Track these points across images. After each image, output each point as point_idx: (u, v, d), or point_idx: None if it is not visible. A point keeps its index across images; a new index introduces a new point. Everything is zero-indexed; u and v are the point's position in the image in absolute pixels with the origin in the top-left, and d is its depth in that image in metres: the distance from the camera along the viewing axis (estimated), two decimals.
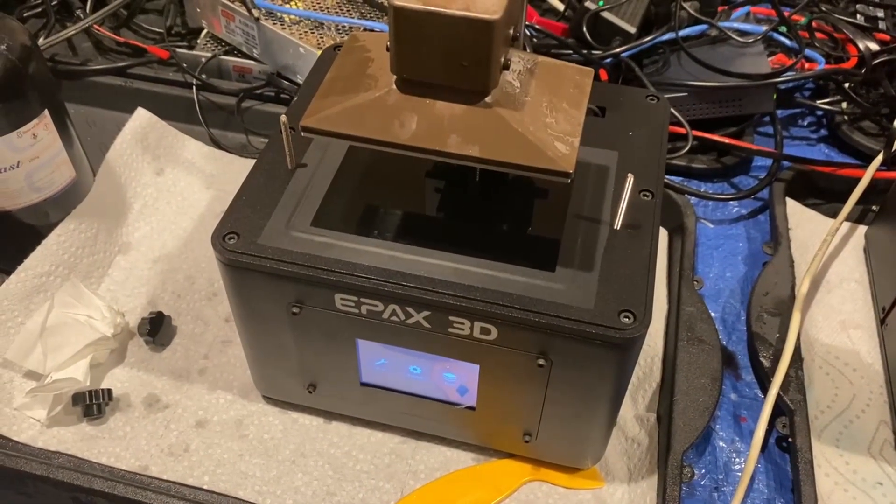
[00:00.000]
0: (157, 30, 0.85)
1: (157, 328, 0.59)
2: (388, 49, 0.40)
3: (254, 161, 0.51)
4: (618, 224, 0.46)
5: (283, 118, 0.47)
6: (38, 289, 0.59)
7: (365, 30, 0.75)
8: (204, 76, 0.77)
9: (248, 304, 0.48)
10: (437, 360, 0.48)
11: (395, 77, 0.41)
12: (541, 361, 0.44)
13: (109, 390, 0.55)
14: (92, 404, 0.54)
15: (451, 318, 0.44)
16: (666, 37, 0.76)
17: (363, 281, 0.44)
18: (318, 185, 0.49)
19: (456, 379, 0.50)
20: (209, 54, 0.79)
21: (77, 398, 0.54)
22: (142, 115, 0.72)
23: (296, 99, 0.55)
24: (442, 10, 0.37)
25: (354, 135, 0.41)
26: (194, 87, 0.76)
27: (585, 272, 0.44)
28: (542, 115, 0.41)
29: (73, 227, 0.62)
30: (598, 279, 0.44)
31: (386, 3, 0.79)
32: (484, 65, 0.38)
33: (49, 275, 0.60)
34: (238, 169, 0.73)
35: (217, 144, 0.75)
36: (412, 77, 0.40)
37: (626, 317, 0.42)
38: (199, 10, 0.80)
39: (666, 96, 0.71)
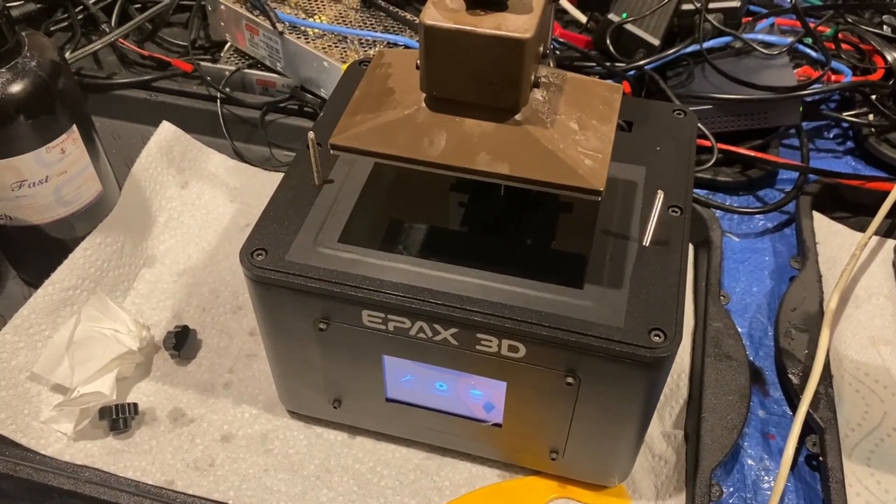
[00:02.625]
0: (182, 43, 0.85)
1: (182, 342, 0.59)
2: (417, 67, 0.40)
3: (277, 174, 0.51)
4: (647, 241, 0.46)
5: (311, 135, 0.47)
6: (64, 302, 0.60)
7: (389, 44, 0.76)
8: (228, 89, 0.78)
9: (274, 320, 0.48)
10: (464, 377, 0.48)
11: (423, 95, 0.41)
12: (569, 380, 0.44)
13: (135, 404, 0.56)
14: (118, 418, 0.55)
15: (479, 335, 0.44)
16: (690, 49, 0.76)
17: (390, 298, 0.44)
18: (345, 200, 0.49)
19: (482, 396, 0.49)
20: (233, 68, 0.79)
21: (103, 412, 0.55)
22: (166, 129, 0.73)
23: (322, 114, 0.55)
24: (473, 29, 0.36)
25: (384, 152, 0.41)
26: (218, 101, 0.77)
27: (615, 289, 0.44)
28: (572, 133, 0.41)
29: (100, 240, 0.62)
30: (627, 297, 0.44)
31: (409, 17, 0.79)
32: (515, 83, 0.38)
33: (76, 288, 0.60)
34: (262, 182, 0.73)
35: (241, 157, 0.76)
36: (442, 95, 0.40)
37: (656, 335, 0.42)
38: (222, 23, 0.81)
39: (691, 109, 0.71)
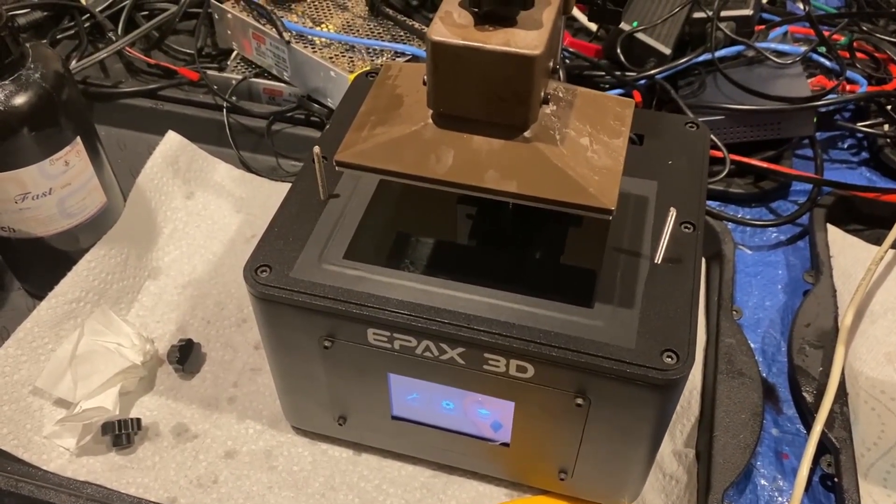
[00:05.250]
0: (188, 51, 0.85)
1: (186, 356, 0.59)
2: (424, 83, 0.39)
3: (284, 184, 0.50)
4: (659, 258, 0.45)
5: (316, 149, 0.46)
6: (68, 315, 0.59)
7: (396, 53, 0.75)
8: (234, 98, 0.77)
9: (279, 337, 0.48)
10: (471, 396, 0.47)
11: (430, 111, 0.40)
12: (579, 401, 0.43)
13: (139, 419, 0.55)
14: (121, 434, 0.54)
15: (487, 355, 0.43)
16: (702, 58, 0.75)
17: (396, 316, 0.43)
18: (351, 216, 0.48)
19: (490, 415, 0.48)
20: (239, 76, 0.79)
21: (106, 427, 0.54)
22: (172, 139, 0.72)
23: (328, 127, 0.54)
24: (481, 45, 0.36)
25: (390, 169, 0.40)
26: (225, 110, 0.76)
27: (625, 308, 0.43)
28: (583, 150, 0.40)
29: (104, 252, 0.62)
30: (638, 316, 0.43)
31: (417, 26, 0.78)
32: (524, 100, 0.37)
33: (79, 301, 0.60)
34: (268, 192, 0.73)
35: (247, 167, 0.75)
36: (449, 111, 0.39)
37: (668, 357, 0.41)
38: (229, 32, 0.80)
39: (702, 119, 0.70)
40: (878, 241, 0.67)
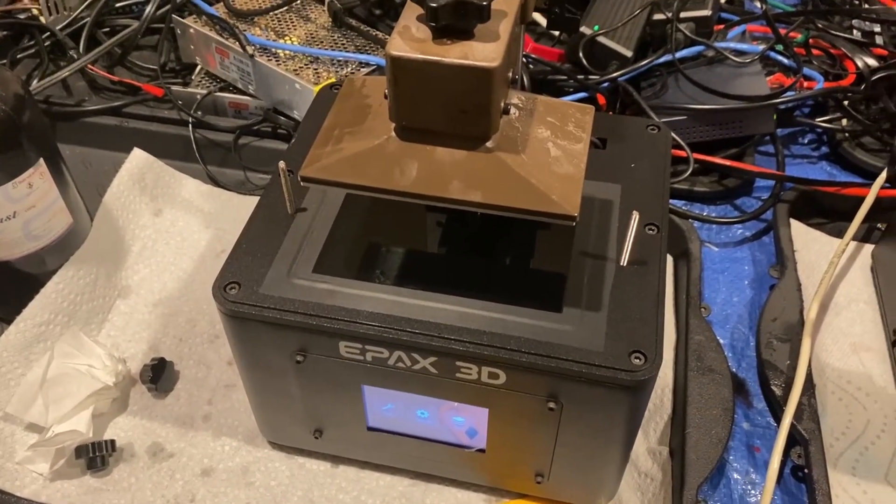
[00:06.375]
0: (152, 67, 0.84)
1: (158, 375, 0.58)
2: (385, 97, 0.39)
3: (253, 198, 0.50)
4: (624, 261, 0.45)
5: (282, 164, 0.46)
6: (37, 338, 0.58)
7: (361, 64, 0.75)
8: (199, 113, 0.77)
9: (251, 353, 0.48)
10: (446, 404, 0.48)
11: (393, 124, 0.40)
12: (551, 405, 0.44)
13: (113, 441, 0.55)
14: (95, 456, 0.54)
15: (459, 363, 0.43)
16: (663, 59, 0.76)
17: (367, 328, 0.43)
18: (319, 229, 0.48)
19: (465, 422, 0.49)
20: (204, 91, 0.79)
21: (80, 451, 0.54)
22: (138, 156, 0.72)
23: (293, 140, 0.54)
24: (439, 58, 0.36)
25: (355, 183, 0.40)
26: (190, 125, 0.76)
27: (593, 312, 0.44)
28: (545, 157, 0.40)
29: (72, 273, 0.61)
30: (606, 319, 0.43)
31: (381, 36, 0.79)
32: (485, 112, 0.38)
33: (48, 323, 0.59)
34: (236, 206, 0.72)
35: (215, 182, 0.75)
36: (411, 124, 0.39)
37: (636, 358, 0.42)
38: (192, 46, 0.80)
39: (665, 120, 0.72)
40: (839, 234, 0.68)
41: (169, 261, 0.68)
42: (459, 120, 0.38)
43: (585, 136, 0.43)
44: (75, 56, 0.82)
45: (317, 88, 0.70)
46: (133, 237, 0.68)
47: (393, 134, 0.40)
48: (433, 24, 0.37)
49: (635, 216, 0.44)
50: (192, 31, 0.78)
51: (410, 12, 0.38)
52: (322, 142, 0.42)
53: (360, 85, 0.45)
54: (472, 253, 0.49)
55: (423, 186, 0.39)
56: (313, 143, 0.42)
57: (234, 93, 0.79)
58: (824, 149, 0.79)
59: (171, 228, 0.70)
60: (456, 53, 0.36)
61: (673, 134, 0.70)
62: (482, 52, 0.36)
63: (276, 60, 0.75)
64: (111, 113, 0.78)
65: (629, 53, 0.76)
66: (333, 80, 0.72)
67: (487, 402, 0.46)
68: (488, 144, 0.39)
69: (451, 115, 0.38)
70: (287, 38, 0.78)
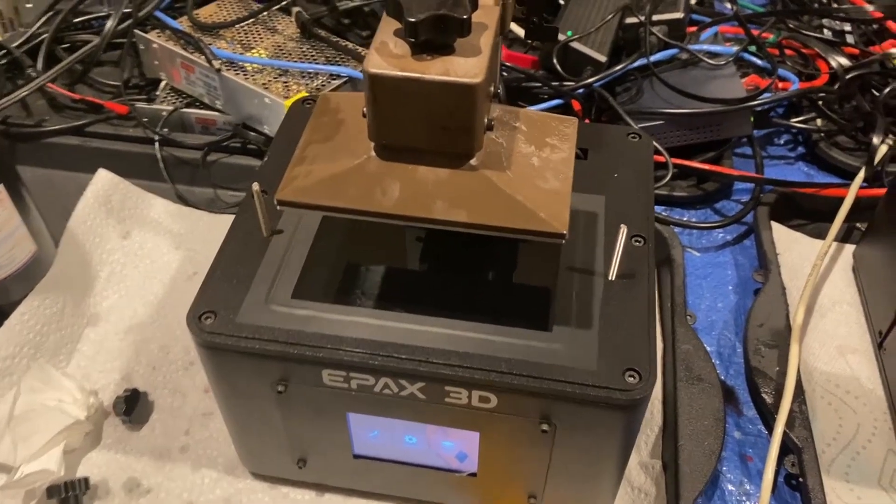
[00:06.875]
0: (114, 83, 0.82)
1: (132, 406, 0.56)
2: (364, 115, 0.38)
3: (224, 217, 0.48)
4: (612, 275, 0.44)
5: (256, 186, 0.44)
6: (2, 373, 0.56)
7: (332, 76, 0.73)
8: (166, 130, 0.75)
9: (229, 384, 0.46)
10: (434, 429, 0.46)
11: (372, 143, 0.39)
12: (544, 427, 0.42)
13: (86, 479, 0.52)
14: (68, 496, 0.51)
15: (448, 388, 0.42)
16: (637, 63, 0.75)
17: (352, 356, 0.41)
18: (297, 252, 0.46)
19: (454, 446, 0.47)
20: (170, 107, 0.76)
21: (52, 491, 0.51)
22: (103, 177, 0.69)
23: (266, 158, 0.52)
24: (420, 75, 0.35)
25: (335, 206, 0.39)
26: (157, 143, 0.73)
27: (584, 329, 0.42)
28: (530, 174, 0.39)
29: (37, 303, 0.59)
30: (597, 336, 0.42)
31: (351, 46, 0.77)
32: (468, 129, 0.36)
33: (14, 357, 0.57)
34: (207, 226, 0.70)
35: (184, 201, 0.73)
36: (392, 143, 0.38)
37: (630, 376, 0.40)
38: (156, 62, 0.78)
39: (643, 125, 0.71)
40: (820, 235, 0.68)
41: (139, 285, 0.66)
42: (442, 137, 0.37)
43: (570, 149, 0.42)
44: (34, 74, 0.79)
45: (287, 103, 0.68)
46: (101, 262, 0.66)
47: (372, 153, 0.39)
48: (412, 40, 0.35)
49: (623, 230, 0.42)
50: (155, 46, 0.76)
51: (387, 27, 0.37)
52: (298, 162, 0.40)
53: (335, 102, 0.44)
54: (455, 270, 0.47)
55: (407, 207, 0.38)
56: (289, 164, 0.40)
57: (201, 108, 0.77)
58: (800, 149, 0.79)
59: (139, 251, 0.68)
60: (437, 69, 0.35)
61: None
62: (464, 68, 0.35)
63: (244, 74, 0.73)
64: (73, 132, 0.76)
65: (604, 59, 0.75)
66: (305, 93, 0.70)
67: (478, 426, 0.44)
68: (472, 162, 0.38)
69: (433, 133, 0.37)
70: (255, 50, 0.76)
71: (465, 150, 0.38)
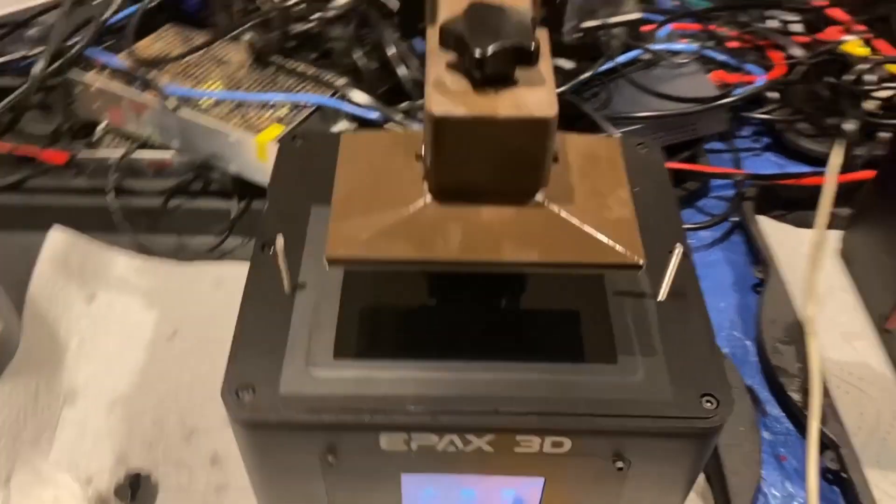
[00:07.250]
0: (39, 133, 0.74)
1: (136, 491, 0.51)
2: (418, 158, 0.35)
3: (195, 265, 0.44)
4: (663, 295, 0.42)
5: (280, 241, 0.40)
6: None
7: (295, 106, 0.69)
8: (117, 175, 0.68)
9: (271, 461, 0.41)
10: (494, 479, 0.43)
11: (426, 185, 0.36)
12: (619, 464, 0.40)
13: None
14: None
15: (519, 437, 0.39)
16: (604, 67, 0.74)
17: (415, 417, 0.38)
18: (327, 307, 0.42)
19: (514, 494, 0.45)
20: (117, 152, 0.70)
21: None
22: (57, 237, 0.63)
23: (267, 207, 0.48)
24: (493, 114, 0.32)
25: (396, 258, 0.35)
26: (111, 193, 0.67)
27: (650, 357, 0.40)
28: (595, 204, 0.37)
29: (9, 388, 0.52)
30: (665, 363, 0.40)
31: (312, 72, 0.73)
32: (539, 164, 0.34)
33: None
34: (178, 276, 0.65)
35: (148, 252, 0.67)
36: (453, 186, 0.35)
37: (707, 402, 0.39)
38: (96, 104, 0.71)
39: (623, 130, 0.70)
40: (800, 224, 0.69)
41: (114, 353, 0.60)
42: (508, 175, 0.34)
43: (622, 173, 0.40)
44: None
45: (258, 138, 0.63)
46: (68, 331, 0.60)
47: (429, 197, 0.35)
48: (476, 75, 0.32)
49: (678, 248, 0.41)
50: (95, 88, 0.69)
51: (437, 60, 0.34)
52: (341, 216, 0.36)
53: (360, 143, 0.40)
54: (506, 313, 0.44)
55: (473, 252, 0.35)
56: (330, 218, 0.37)
57: (153, 149, 0.71)
58: (765, 140, 0.80)
59: (109, 314, 0.62)
60: (507, 105, 0.32)
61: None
62: (534, 100, 0.32)
63: (200, 111, 0.67)
64: (11, 189, 0.68)
65: (570, 65, 0.74)
66: (279, 127, 0.65)
67: (545, 472, 0.42)
68: (538, 198, 0.35)
69: (499, 172, 0.34)
70: (207, 84, 0.70)
71: (532, 186, 0.35)
